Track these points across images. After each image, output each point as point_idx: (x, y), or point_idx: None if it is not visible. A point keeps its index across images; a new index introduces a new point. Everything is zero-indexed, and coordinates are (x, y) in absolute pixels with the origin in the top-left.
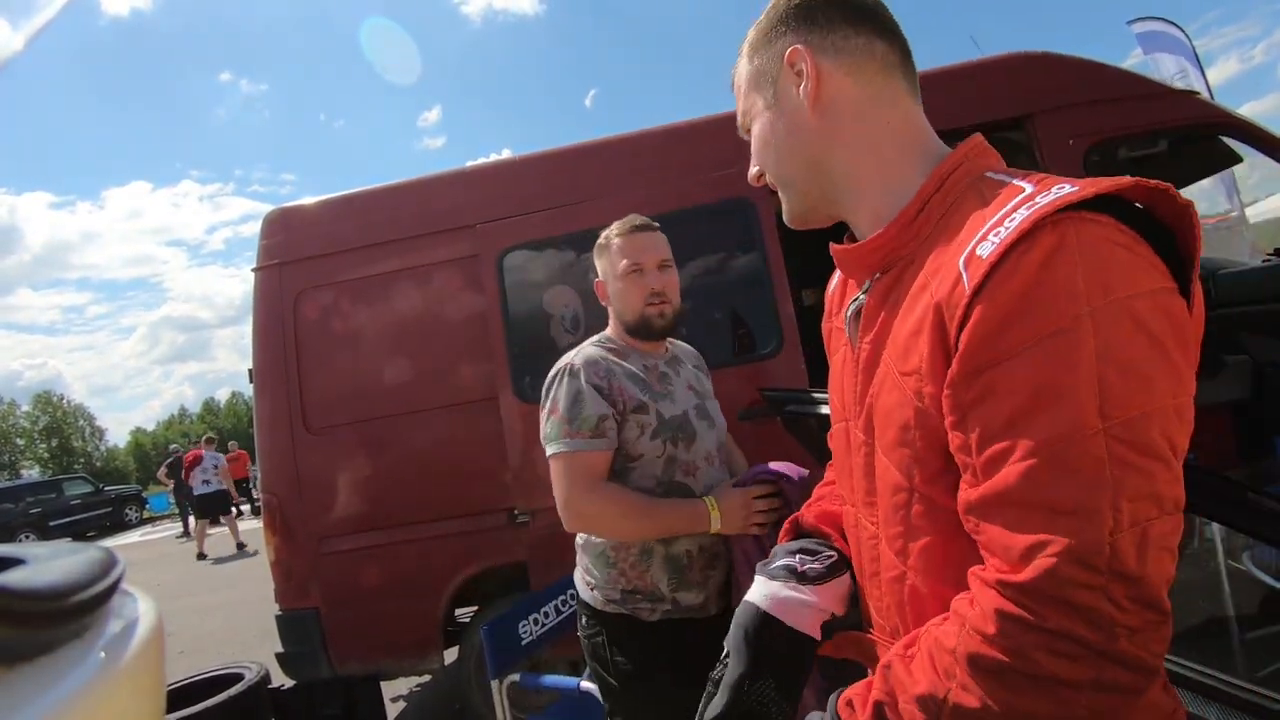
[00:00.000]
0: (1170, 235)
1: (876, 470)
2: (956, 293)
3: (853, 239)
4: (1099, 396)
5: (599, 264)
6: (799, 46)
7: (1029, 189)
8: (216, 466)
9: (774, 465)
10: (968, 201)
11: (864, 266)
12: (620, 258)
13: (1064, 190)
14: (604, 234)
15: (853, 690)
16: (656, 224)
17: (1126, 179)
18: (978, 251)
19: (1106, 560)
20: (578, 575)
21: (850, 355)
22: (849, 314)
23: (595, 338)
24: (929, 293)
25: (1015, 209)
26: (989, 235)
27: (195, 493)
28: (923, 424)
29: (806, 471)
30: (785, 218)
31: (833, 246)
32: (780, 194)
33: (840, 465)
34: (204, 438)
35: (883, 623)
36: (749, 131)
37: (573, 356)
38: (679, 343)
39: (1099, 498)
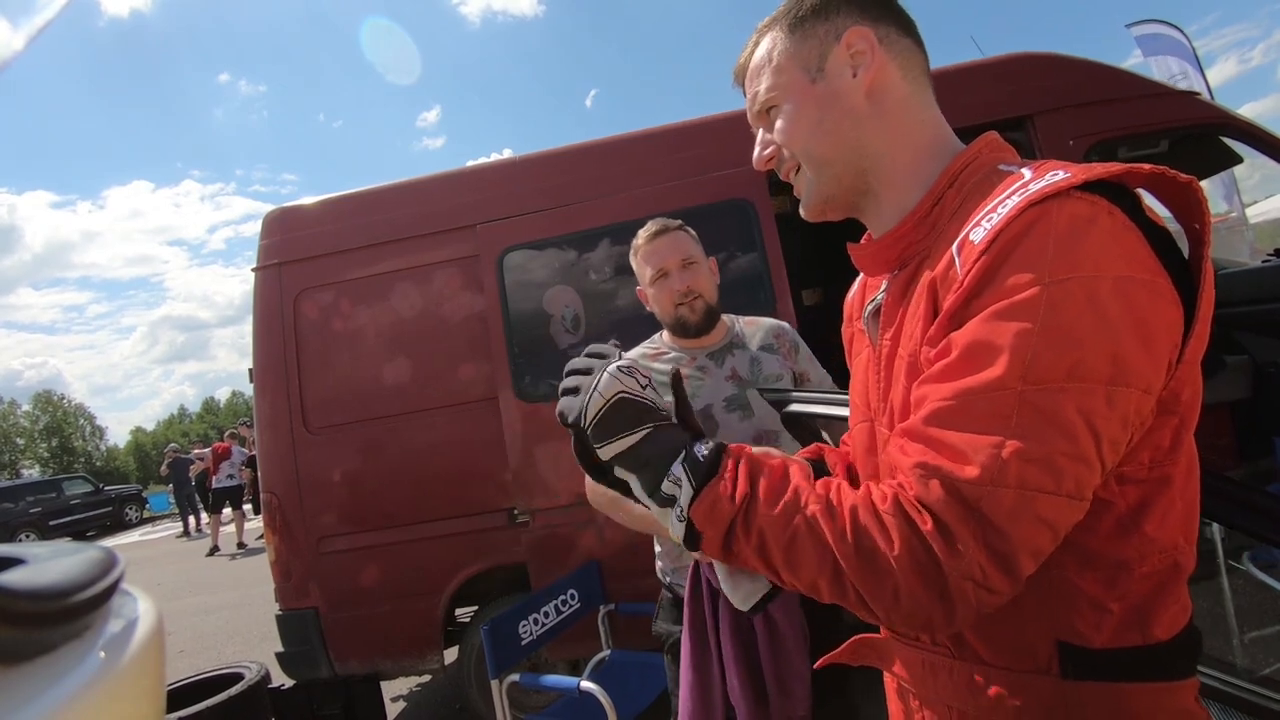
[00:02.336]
0: (1166, 231)
1: None
2: (950, 275)
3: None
4: (1026, 362)
5: (635, 272)
6: (863, 28)
7: (1027, 175)
8: (243, 462)
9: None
10: (979, 194)
11: (881, 262)
12: (646, 266)
13: (1057, 176)
14: (633, 243)
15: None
16: (677, 222)
17: (1120, 165)
18: (970, 237)
19: (976, 501)
20: None
21: (872, 354)
22: (868, 313)
23: (649, 339)
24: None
25: (1010, 196)
26: (982, 221)
27: (216, 485)
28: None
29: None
30: (806, 205)
31: (850, 245)
32: (808, 177)
33: (864, 465)
34: (227, 433)
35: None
36: (768, 111)
37: None
38: (760, 321)
39: (991, 444)
